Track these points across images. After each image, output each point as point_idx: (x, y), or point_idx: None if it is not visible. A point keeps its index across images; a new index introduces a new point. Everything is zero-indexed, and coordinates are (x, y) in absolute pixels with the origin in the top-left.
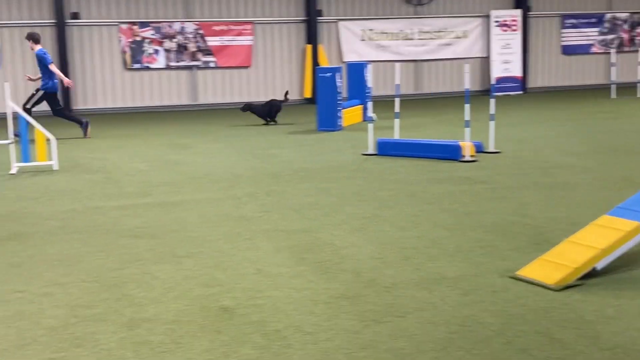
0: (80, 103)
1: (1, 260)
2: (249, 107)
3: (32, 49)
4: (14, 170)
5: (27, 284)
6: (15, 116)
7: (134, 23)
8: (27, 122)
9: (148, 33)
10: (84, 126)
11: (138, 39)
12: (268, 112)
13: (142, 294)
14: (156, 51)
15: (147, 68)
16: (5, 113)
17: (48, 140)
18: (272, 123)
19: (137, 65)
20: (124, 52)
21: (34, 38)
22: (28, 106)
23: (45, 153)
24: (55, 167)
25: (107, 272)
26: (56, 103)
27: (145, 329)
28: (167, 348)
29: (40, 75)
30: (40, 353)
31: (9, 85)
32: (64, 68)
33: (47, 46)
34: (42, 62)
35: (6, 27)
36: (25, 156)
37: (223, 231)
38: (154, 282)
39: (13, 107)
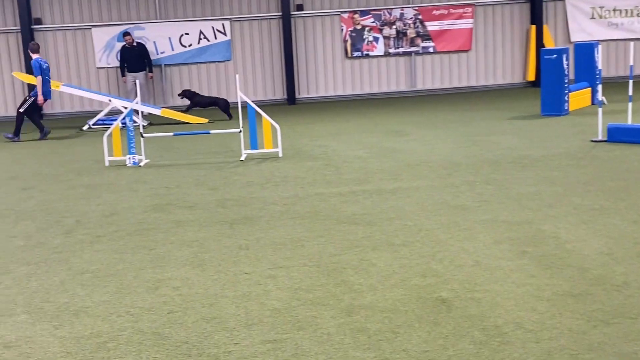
0: (303, 92)
1: (232, 243)
2: (185, 95)
3: (31, 58)
4: (243, 157)
5: (254, 266)
6: (244, 105)
7: (354, 12)
8: (256, 112)
9: (368, 21)
10: (42, 134)
11: (358, 27)
12: (210, 104)
13: (359, 281)
14: (375, 39)
15: (367, 56)
16: (236, 102)
17: (274, 128)
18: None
19: (357, 54)
20: (345, 41)
21: (31, 49)
22: (21, 110)
23: (271, 141)
24: (280, 154)
25: (327, 257)
26: (33, 109)
27: (363, 316)
28: (385, 337)
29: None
30: (266, 333)
31: (239, 76)
32: (288, 58)
33: (274, 37)
34: (33, 70)
35: (237, 21)
36: (253, 144)
37: (440, 220)
38: (371, 270)
39: (242, 97)
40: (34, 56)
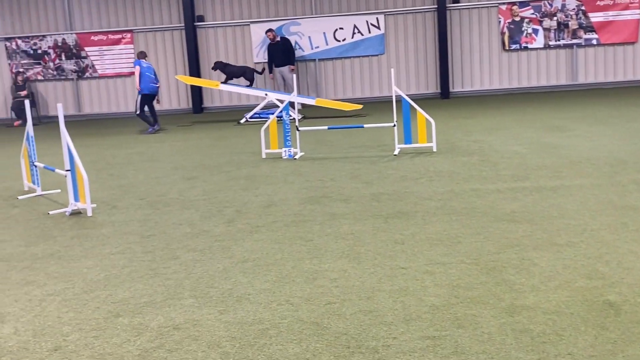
0: (457, 86)
1: (387, 237)
2: (217, 67)
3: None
4: (396, 152)
5: (410, 261)
6: (399, 99)
7: (513, 3)
8: (410, 106)
9: (527, 12)
10: (152, 129)
11: (517, 19)
12: (241, 74)
13: (521, 280)
14: (535, 31)
15: (525, 48)
16: (391, 96)
17: (429, 123)
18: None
19: (515, 46)
20: (502, 33)
21: (138, 56)
22: (138, 112)
23: (425, 135)
24: (434, 149)
25: (486, 255)
26: (143, 104)
27: (525, 316)
28: (549, 339)
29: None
30: (425, 329)
31: (394, 70)
32: (443, 51)
33: (428, 30)
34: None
35: (391, 15)
36: (407, 138)
37: (606, 221)
38: (533, 269)
39: (397, 91)
40: (138, 59)
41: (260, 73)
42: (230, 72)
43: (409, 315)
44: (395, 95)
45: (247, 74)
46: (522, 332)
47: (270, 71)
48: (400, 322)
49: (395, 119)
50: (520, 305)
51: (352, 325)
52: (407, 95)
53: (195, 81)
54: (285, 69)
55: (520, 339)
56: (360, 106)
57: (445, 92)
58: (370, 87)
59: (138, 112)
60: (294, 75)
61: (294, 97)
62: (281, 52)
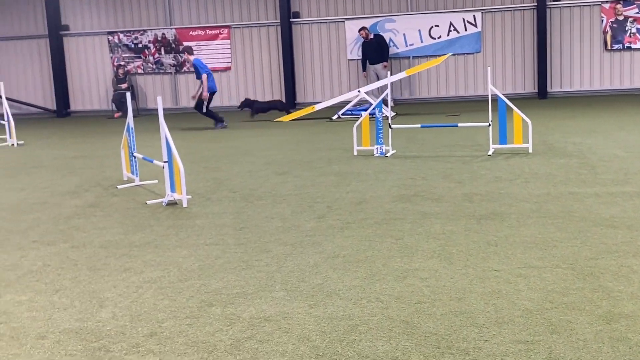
0: (556, 86)
1: (480, 238)
2: (246, 105)
3: (189, 60)
4: (490, 152)
5: (503, 264)
6: (495, 98)
7: (617, 2)
8: (506, 105)
9: (632, 11)
10: (220, 124)
11: (620, 18)
12: (267, 108)
13: (619, 288)
14: (639, 30)
15: (629, 48)
16: (486, 95)
17: (525, 123)
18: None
19: (617, 46)
20: (605, 33)
21: (187, 51)
22: (203, 110)
23: (522, 136)
24: (530, 150)
25: (582, 261)
26: (209, 103)
27: (623, 325)
28: None
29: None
30: (517, 334)
31: (490, 69)
32: (541, 50)
33: (527, 28)
34: (196, 70)
35: (489, 12)
36: (502, 138)
37: None
38: (632, 277)
39: (493, 89)
40: (192, 57)
41: (289, 109)
42: (258, 108)
43: (502, 318)
44: (491, 94)
45: (277, 106)
46: (620, 340)
47: (364, 69)
48: (492, 324)
49: (490, 118)
50: (618, 313)
51: (442, 326)
52: (503, 94)
53: (294, 115)
54: (379, 66)
55: (618, 348)
56: (449, 54)
57: (542, 92)
58: (465, 85)
59: (204, 111)
60: (388, 72)
61: (389, 79)
62: (374, 50)
